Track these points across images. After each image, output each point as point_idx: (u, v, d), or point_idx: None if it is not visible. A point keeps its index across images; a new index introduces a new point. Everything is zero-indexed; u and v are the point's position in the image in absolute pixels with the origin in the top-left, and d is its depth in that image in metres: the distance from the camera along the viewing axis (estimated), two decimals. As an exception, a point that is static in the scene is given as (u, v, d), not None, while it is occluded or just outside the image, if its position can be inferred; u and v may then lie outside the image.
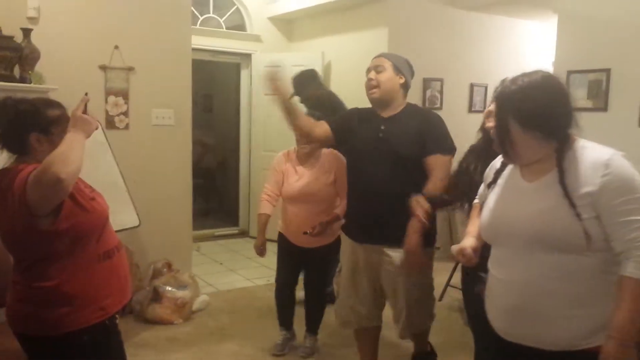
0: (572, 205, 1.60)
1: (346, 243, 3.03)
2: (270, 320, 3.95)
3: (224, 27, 6.44)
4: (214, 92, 8.10)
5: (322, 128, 3.02)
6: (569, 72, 4.13)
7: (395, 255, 2.76)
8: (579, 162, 1.64)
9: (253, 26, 6.52)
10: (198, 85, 4.77)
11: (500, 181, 1.86)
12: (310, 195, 3.35)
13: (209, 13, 6.33)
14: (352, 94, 5.75)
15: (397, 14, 5.40)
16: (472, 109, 5.92)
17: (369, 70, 2.90)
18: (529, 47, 6.35)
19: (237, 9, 6.49)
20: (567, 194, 1.62)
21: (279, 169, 3.49)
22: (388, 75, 2.84)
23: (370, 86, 2.86)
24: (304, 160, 3.43)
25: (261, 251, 3.51)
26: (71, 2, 4.00)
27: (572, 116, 1.68)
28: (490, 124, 2.49)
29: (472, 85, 5.98)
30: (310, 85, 4.57)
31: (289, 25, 6.69)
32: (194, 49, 4.61)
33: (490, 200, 1.85)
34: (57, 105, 1.99)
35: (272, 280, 4.90)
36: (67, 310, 1.89)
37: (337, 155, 3.41)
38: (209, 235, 6.48)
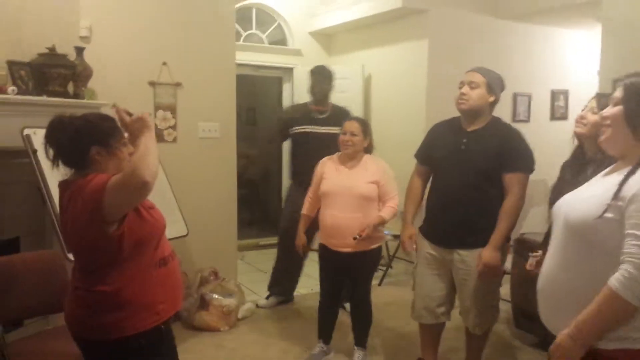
0: (614, 198, 1.61)
1: (423, 243, 3.20)
2: (314, 329, 3.99)
3: (266, 42, 6.59)
4: (257, 105, 8.24)
5: (423, 177, 3.31)
6: (615, 81, 4.06)
7: (466, 253, 3.02)
8: None
9: (294, 41, 6.64)
10: (241, 99, 4.89)
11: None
12: (348, 188, 3.34)
13: (252, 29, 6.49)
14: (393, 106, 5.83)
15: (438, 26, 5.43)
16: (516, 119, 5.88)
17: (462, 84, 3.04)
18: (573, 57, 6.29)
19: (279, 24, 6.63)
20: (618, 190, 1.62)
21: (319, 172, 3.54)
22: (480, 93, 2.98)
23: (460, 99, 3.01)
24: (346, 162, 3.47)
25: (299, 250, 3.61)
26: (121, 22, 4.18)
27: None
28: (579, 129, 2.52)
29: (515, 95, 5.95)
30: (328, 85, 4.57)
31: (329, 39, 6.80)
32: (237, 64, 4.74)
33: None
34: (109, 118, 2.09)
35: (316, 289, 4.95)
36: (125, 314, 1.96)
37: (382, 164, 3.47)
38: (252, 244, 6.58)
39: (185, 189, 4.28)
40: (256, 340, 3.95)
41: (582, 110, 2.58)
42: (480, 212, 2.99)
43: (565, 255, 1.75)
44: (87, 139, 1.99)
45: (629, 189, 1.60)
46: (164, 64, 4.33)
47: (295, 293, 4.99)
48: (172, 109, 4.40)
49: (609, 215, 1.61)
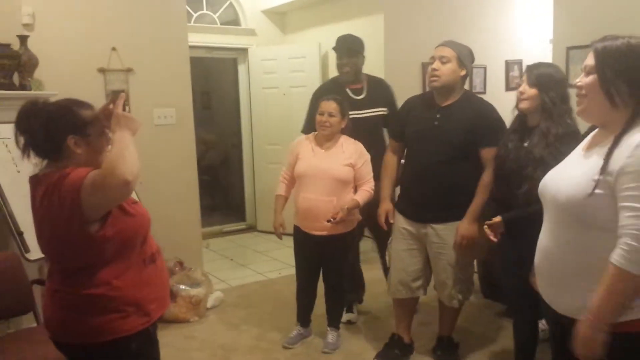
0: (601, 173, 1.59)
1: (399, 218, 3.21)
2: (285, 313, 3.97)
3: (218, 22, 6.42)
4: (212, 88, 8.07)
5: (398, 153, 3.30)
6: (568, 48, 4.11)
7: (440, 227, 3.04)
8: (627, 139, 1.60)
9: (247, 20, 6.49)
10: (195, 82, 4.74)
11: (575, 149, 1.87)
12: (323, 171, 3.29)
13: (203, 9, 6.30)
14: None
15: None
16: (472, 91, 5.90)
17: (432, 59, 3.02)
18: (526, 26, 6.33)
19: (231, 3, 6.46)
20: (604, 165, 1.59)
21: (294, 152, 3.46)
22: (451, 67, 2.97)
23: (432, 75, 3.00)
24: (322, 143, 3.40)
25: (278, 232, 3.53)
26: (66, 7, 3.98)
27: None
28: (522, 105, 2.63)
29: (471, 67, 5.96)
30: (360, 58, 3.92)
31: (283, 18, 6.67)
32: (190, 46, 4.59)
33: (555, 167, 1.88)
34: (88, 105, 1.90)
35: (284, 272, 4.97)
36: (115, 316, 1.82)
37: (359, 147, 3.39)
38: (217, 231, 6.49)
39: (144, 179, 4.06)
40: (227, 329, 3.88)
41: (519, 85, 2.68)
42: (454, 187, 3.00)
43: (558, 233, 1.75)
44: (63, 127, 1.80)
45: (615, 163, 1.58)
46: (114, 49, 4.16)
47: (263, 278, 4.94)
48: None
49: (599, 191, 1.59)
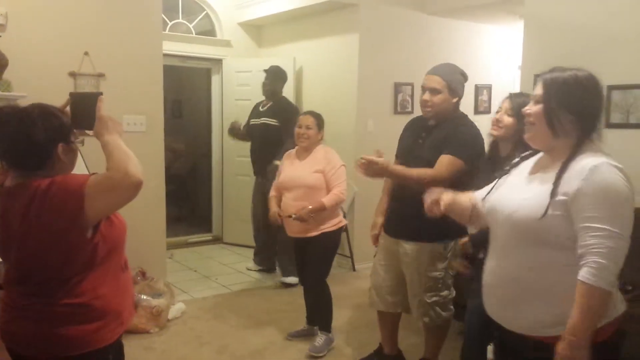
0: (552, 197, 1.66)
1: (383, 233, 3.26)
2: (249, 326, 3.94)
3: (194, 32, 6.40)
4: (184, 97, 8.03)
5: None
6: (536, 76, 4.21)
7: (408, 247, 3.03)
8: (575, 164, 1.68)
9: (223, 31, 6.49)
10: (167, 90, 4.71)
11: (513, 173, 1.94)
12: (296, 179, 3.57)
13: (178, 18, 6.28)
14: (325, 99, 5.82)
15: (368, 20, 5.44)
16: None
17: (423, 89, 2.99)
18: (496, 52, 6.48)
19: (207, 14, 6.46)
20: (554, 189, 1.67)
21: (280, 167, 3.82)
22: (443, 98, 2.94)
23: (424, 106, 2.99)
24: (301, 155, 3.67)
25: (274, 218, 3.73)
26: (39, 8, 3.93)
27: (601, 117, 1.76)
28: (496, 132, 2.63)
29: (441, 89, 6.07)
30: (281, 84, 5.40)
31: (259, 31, 6.69)
32: (163, 55, 4.57)
33: (498, 190, 1.93)
34: (63, 111, 1.85)
35: (248, 286, 4.94)
36: (95, 326, 1.77)
37: (329, 154, 3.62)
38: (182, 242, 6.41)
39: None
40: (188, 341, 3.83)
41: (497, 112, 2.67)
42: (422, 207, 2.96)
43: (510, 252, 1.80)
44: (56, 135, 1.76)
45: (568, 185, 1.65)
46: (86, 53, 4.11)
47: (226, 291, 4.90)
48: (95, 102, 4.18)
49: (552, 212, 1.66)
